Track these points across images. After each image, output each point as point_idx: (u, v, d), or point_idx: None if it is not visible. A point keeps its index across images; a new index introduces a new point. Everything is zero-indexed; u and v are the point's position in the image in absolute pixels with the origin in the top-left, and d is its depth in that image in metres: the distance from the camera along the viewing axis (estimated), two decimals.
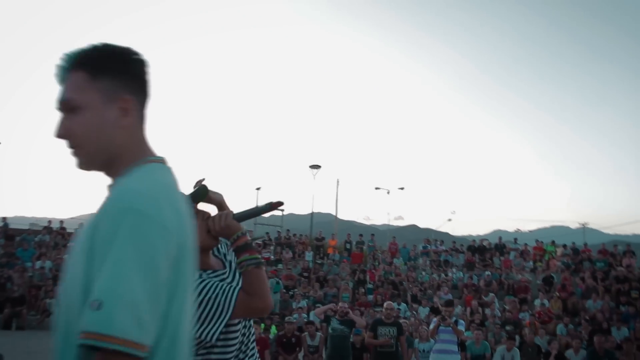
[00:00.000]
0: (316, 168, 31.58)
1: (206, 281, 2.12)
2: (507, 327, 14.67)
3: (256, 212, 2.25)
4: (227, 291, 2.09)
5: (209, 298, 2.06)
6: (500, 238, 25.91)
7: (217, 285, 2.11)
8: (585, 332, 14.00)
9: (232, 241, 2.14)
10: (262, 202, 2.28)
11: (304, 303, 17.55)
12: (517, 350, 11.85)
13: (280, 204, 2.17)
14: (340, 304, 12.02)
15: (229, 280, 2.25)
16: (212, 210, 2.19)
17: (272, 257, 24.61)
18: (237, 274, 2.28)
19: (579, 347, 11.77)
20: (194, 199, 2.06)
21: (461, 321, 10.80)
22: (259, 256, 2.17)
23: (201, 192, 2.09)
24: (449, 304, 10.81)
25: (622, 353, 11.92)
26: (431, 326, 10.39)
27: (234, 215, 2.14)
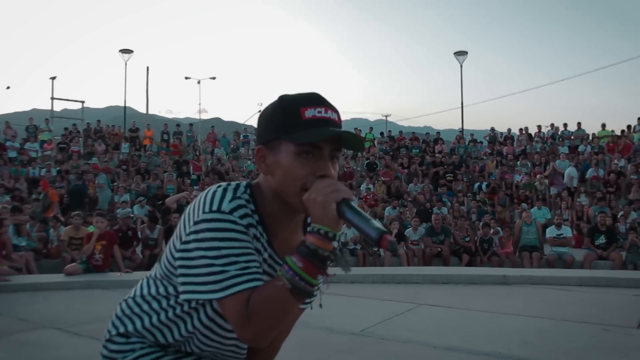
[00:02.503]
0: (128, 53, 28.91)
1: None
2: None
3: (364, 226, 1.24)
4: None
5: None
6: None
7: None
8: (411, 212, 14.65)
9: (311, 230, 1.26)
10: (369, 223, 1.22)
11: (127, 197, 16.29)
12: (353, 229, 12.01)
13: (394, 247, 1.21)
14: (194, 192, 11.16)
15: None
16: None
17: (82, 150, 22.51)
18: None
19: (417, 226, 12.21)
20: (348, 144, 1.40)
21: None
22: (317, 289, 1.41)
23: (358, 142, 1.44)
24: None
25: (454, 227, 12.58)
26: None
27: (344, 203, 1.26)
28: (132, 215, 12.72)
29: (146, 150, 23.15)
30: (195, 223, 1.32)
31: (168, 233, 10.74)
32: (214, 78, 40.36)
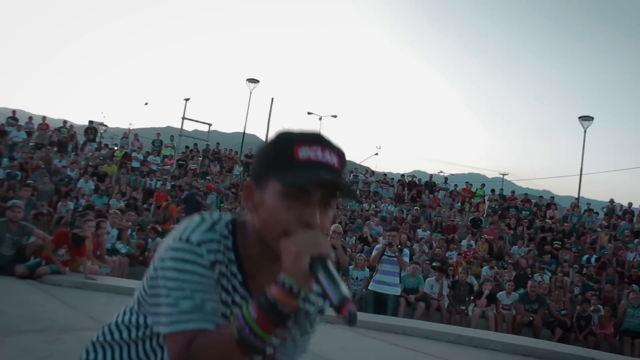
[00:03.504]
0: (254, 82, 30.21)
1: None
2: (434, 264, 14.56)
3: (329, 288, 1.11)
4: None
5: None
6: (431, 176, 25.85)
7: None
8: (509, 276, 14.07)
9: (277, 282, 1.15)
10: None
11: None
12: (445, 282, 11.72)
13: (353, 318, 1.07)
14: None
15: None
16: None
17: (198, 168, 23.69)
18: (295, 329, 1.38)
19: (511, 290, 11.68)
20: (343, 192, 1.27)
21: (406, 250, 10.37)
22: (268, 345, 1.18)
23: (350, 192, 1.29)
24: (394, 229, 10.31)
25: (550, 298, 11.94)
26: (374, 252, 9.89)
27: (320, 259, 1.15)
28: None
29: None
30: (165, 251, 1.27)
31: None
32: (335, 116, 41.01)
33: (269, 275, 1.31)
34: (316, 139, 1.26)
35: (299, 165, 1.22)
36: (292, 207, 1.21)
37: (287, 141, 1.25)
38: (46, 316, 5.76)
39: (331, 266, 1.14)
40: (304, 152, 1.23)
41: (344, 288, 1.11)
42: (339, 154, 1.28)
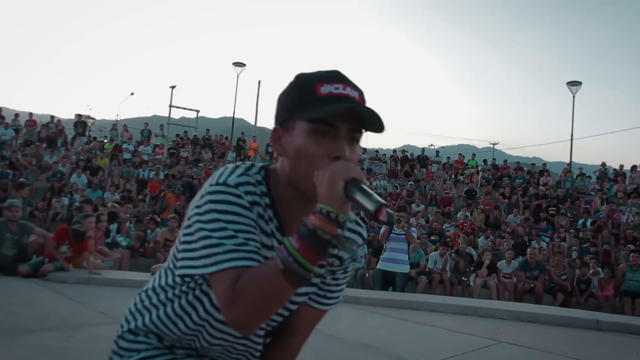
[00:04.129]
0: (240, 66, 29.98)
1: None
2: (433, 237, 14.66)
3: (364, 201, 1.13)
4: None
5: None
6: (422, 150, 25.89)
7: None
8: (507, 244, 14.19)
9: (314, 210, 1.14)
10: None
11: None
12: (449, 256, 11.78)
13: (391, 219, 1.13)
14: None
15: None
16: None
17: (190, 156, 23.63)
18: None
19: (511, 259, 11.78)
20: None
21: (413, 228, 10.48)
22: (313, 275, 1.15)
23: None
24: (402, 209, 10.38)
25: (549, 264, 12.06)
26: (382, 229, 9.89)
27: (354, 183, 1.15)
28: None
29: (250, 160, 23.93)
30: (201, 197, 1.26)
31: None
32: None
33: (301, 217, 1.29)
34: (336, 76, 1.27)
35: (323, 99, 1.23)
36: (321, 143, 1.23)
37: (308, 80, 1.26)
38: (55, 314, 5.75)
39: (365, 186, 1.15)
40: (326, 88, 1.24)
41: (378, 197, 1.13)
42: (360, 90, 1.29)
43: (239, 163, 1.35)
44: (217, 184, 1.25)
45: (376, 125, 1.25)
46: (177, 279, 1.40)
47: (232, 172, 1.29)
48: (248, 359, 1.53)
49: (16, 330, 4.94)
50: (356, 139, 1.27)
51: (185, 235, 1.31)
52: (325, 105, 1.21)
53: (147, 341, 1.46)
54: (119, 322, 1.54)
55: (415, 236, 10.27)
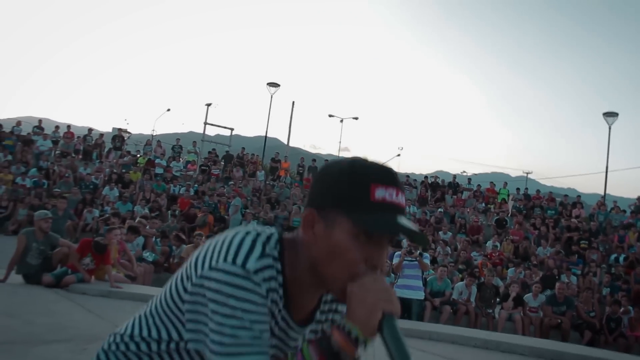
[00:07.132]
0: (274, 86, 30.26)
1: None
2: (460, 266, 14.44)
3: (395, 353, 1.11)
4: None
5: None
6: (454, 177, 25.66)
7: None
8: (535, 276, 13.90)
9: (341, 328, 1.14)
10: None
11: (254, 224, 16.90)
12: (475, 287, 11.56)
13: None
14: None
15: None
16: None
17: (221, 174, 23.82)
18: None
19: (538, 292, 11.51)
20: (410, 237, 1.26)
21: (426, 254, 10.33)
22: None
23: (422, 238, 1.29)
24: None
25: (578, 299, 11.75)
26: (395, 260, 9.85)
27: (389, 317, 1.13)
28: None
29: (280, 180, 24.01)
30: (213, 269, 1.18)
31: None
32: (356, 118, 40.90)
33: (309, 297, 1.31)
34: (392, 179, 1.20)
35: (376, 207, 1.17)
36: (362, 248, 1.18)
37: (363, 177, 1.18)
38: (72, 325, 5.81)
39: (398, 325, 1.12)
40: (381, 193, 1.17)
41: (408, 350, 1.10)
42: (404, 191, 1.24)
43: (253, 233, 1.25)
44: (234, 264, 1.17)
45: (422, 242, 1.27)
46: (164, 335, 1.33)
47: (251, 250, 1.20)
48: None
49: (31, 340, 4.99)
50: (391, 243, 1.26)
51: (192, 302, 1.24)
52: (379, 216, 1.16)
53: None
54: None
55: (428, 262, 10.21)
